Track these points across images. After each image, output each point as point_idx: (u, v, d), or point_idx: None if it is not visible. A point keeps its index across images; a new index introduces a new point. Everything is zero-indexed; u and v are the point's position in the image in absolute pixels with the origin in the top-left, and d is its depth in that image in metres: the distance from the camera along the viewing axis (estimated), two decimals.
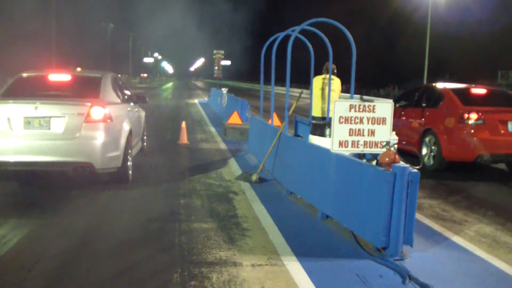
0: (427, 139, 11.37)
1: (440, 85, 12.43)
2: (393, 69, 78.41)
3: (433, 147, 11.18)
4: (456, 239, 6.58)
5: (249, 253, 5.73)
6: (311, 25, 9.35)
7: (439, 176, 10.60)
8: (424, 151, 11.39)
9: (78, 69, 9.98)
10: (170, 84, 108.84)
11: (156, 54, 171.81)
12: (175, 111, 27.47)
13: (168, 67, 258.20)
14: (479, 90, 11.92)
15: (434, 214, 7.76)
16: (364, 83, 66.78)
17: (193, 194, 8.34)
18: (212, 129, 18.41)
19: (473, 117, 10.52)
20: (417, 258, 5.72)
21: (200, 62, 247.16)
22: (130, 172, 9.25)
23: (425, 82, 37.98)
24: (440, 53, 59.65)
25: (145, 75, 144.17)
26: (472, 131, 10.51)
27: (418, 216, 7.37)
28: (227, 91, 24.62)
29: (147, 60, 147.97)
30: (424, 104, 12.01)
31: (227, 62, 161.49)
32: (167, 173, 10.04)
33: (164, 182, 9.25)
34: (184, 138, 14.32)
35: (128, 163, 9.12)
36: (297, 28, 8.91)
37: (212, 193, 8.46)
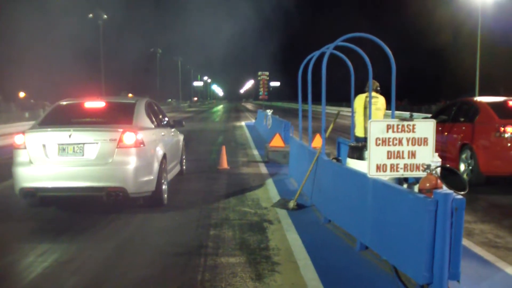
0: (464, 154, 11.16)
1: (476, 99, 12.24)
2: (446, 84, 76.51)
3: (470, 162, 10.92)
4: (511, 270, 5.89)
5: None
6: (349, 41, 8.84)
7: (491, 197, 9.91)
8: (462, 166, 11.15)
9: (130, 95, 10.03)
10: (219, 107, 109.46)
11: (205, 78, 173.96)
12: (220, 134, 27.22)
13: (218, 90, 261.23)
14: None
15: (486, 241, 7.05)
16: (415, 99, 65.29)
17: (225, 224, 7.88)
18: (255, 152, 18.00)
19: (509, 130, 10.36)
20: None
21: (249, 84, 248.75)
22: (165, 196, 9.28)
23: (477, 95, 36.58)
24: (496, 66, 57.73)
25: (195, 98, 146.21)
26: (509, 144, 10.37)
27: (468, 243, 6.74)
28: (272, 113, 24.23)
29: (197, 83, 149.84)
30: (461, 119, 11.81)
31: (276, 83, 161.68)
32: (202, 201, 9.64)
33: (197, 210, 8.85)
34: (224, 163, 13.95)
35: (163, 187, 9.13)
36: (331, 46, 8.42)
37: (245, 223, 7.98)
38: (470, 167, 10.88)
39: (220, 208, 8.98)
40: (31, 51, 74.21)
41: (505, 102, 11.47)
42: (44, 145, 8.24)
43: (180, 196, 9.99)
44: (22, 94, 74.55)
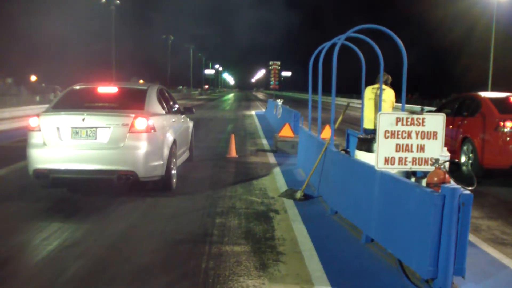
0: (465, 147, 11.45)
1: (479, 93, 12.44)
2: (458, 78, 75.93)
3: (470, 155, 11.19)
4: None
5: (280, 281, 5.21)
6: (362, 32, 8.76)
7: (498, 193, 9.88)
8: (463, 159, 11.39)
9: (141, 81, 10.16)
10: (230, 95, 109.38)
11: (217, 66, 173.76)
12: (230, 123, 27.22)
13: (229, 79, 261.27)
14: None
15: (492, 237, 7.01)
16: (427, 93, 64.82)
17: (231, 213, 7.89)
18: (264, 141, 17.96)
19: (508, 125, 10.67)
20: None
21: (261, 73, 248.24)
22: (174, 180, 9.48)
23: (489, 90, 36.27)
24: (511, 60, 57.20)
25: (206, 86, 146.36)
26: (508, 138, 10.67)
27: (474, 239, 6.70)
28: (282, 103, 24.18)
29: (208, 71, 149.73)
30: (463, 113, 12.09)
31: (288, 73, 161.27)
32: (209, 188, 9.65)
33: (204, 198, 8.86)
34: (232, 152, 13.95)
35: (172, 172, 9.32)
36: (342, 37, 8.35)
37: (251, 212, 7.98)
38: (470, 160, 11.13)
39: (227, 196, 8.99)
40: (43, 35, 74.44)
41: (507, 98, 11.70)
42: (58, 128, 8.44)
43: (188, 183, 10.03)
44: (33, 78, 74.85)
